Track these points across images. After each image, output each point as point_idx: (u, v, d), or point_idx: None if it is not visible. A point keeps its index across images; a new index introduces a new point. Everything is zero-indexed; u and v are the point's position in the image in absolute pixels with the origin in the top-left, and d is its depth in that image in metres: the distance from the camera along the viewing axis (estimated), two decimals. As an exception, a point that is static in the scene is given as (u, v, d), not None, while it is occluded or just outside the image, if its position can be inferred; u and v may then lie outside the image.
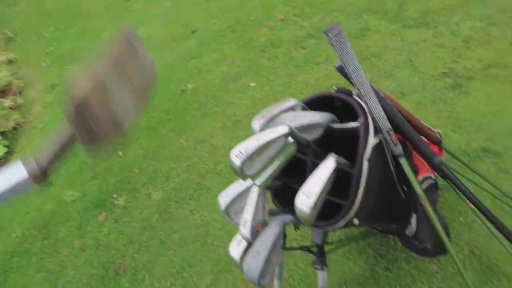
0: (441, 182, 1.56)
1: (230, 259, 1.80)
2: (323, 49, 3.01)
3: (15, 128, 3.42)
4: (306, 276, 1.68)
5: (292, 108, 0.97)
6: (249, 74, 3.05)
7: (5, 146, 3.20)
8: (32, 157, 0.36)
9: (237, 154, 0.70)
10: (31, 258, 2.24)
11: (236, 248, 0.86)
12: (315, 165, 0.84)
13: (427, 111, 2.23)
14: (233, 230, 0.95)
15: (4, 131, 3.28)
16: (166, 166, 2.48)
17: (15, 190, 0.37)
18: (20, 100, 3.80)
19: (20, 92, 4.00)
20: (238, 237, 0.87)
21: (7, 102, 3.63)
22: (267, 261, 0.75)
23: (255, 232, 0.83)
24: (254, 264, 0.74)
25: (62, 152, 0.39)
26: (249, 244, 0.84)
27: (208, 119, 2.75)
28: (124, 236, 2.14)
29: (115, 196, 2.38)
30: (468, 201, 1.09)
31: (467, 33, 2.65)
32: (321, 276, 1.00)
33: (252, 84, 2.93)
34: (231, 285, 1.76)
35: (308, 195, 0.71)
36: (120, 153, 2.67)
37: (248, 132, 2.51)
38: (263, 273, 0.74)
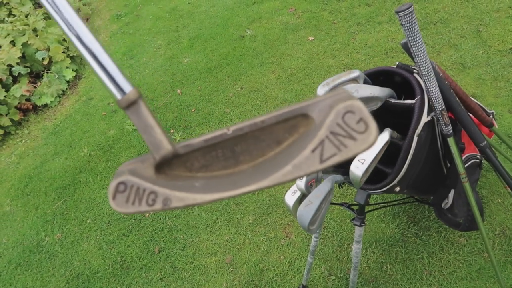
0: (486, 162, 1.60)
1: (272, 204, 2.00)
2: (388, 8, 2.92)
3: (83, 54, 3.65)
4: (340, 230, 1.82)
5: (355, 79, 1.04)
6: (308, 27, 3.04)
7: (74, 70, 3.46)
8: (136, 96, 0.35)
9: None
10: (97, 176, 2.53)
11: (291, 197, 0.99)
12: (369, 135, 0.94)
13: (487, 87, 2.19)
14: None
15: (73, 56, 3.52)
16: (220, 109, 2.63)
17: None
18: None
19: (87, 19, 4.20)
20: (293, 188, 1.01)
21: (76, 28, 3.83)
22: (317, 211, 0.88)
23: (309, 185, 0.96)
24: (306, 211, 0.87)
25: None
26: (303, 195, 0.97)
27: (264, 68, 2.82)
28: (178, 169, 2.35)
29: (172, 131, 2.59)
30: (506, 185, 1.15)
31: (547, 8, 2.49)
32: (358, 231, 1.13)
33: (311, 38, 2.93)
34: (270, 226, 1.94)
35: (362, 161, 0.83)
36: (179, 91, 2.84)
37: (302, 86, 2.59)
38: (312, 221, 0.88)
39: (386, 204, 1.70)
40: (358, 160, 0.83)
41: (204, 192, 0.34)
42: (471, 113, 1.18)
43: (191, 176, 0.37)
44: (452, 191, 1.39)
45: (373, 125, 0.30)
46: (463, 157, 1.35)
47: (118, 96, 0.35)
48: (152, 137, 0.35)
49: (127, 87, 0.35)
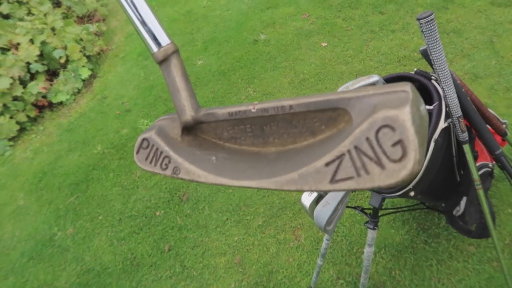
0: (497, 172, 1.61)
1: (282, 207, 2.02)
2: (401, 17, 2.94)
3: (98, 54, 3.71)
4: (349, 234, 1.83)
5: (373, 84, 1.06)
6: (322, 33, 3.07)
7: (90, 69, 3.52)
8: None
9: None
10: (109, 174, 2.57)
11: (307, 197, 1.02)
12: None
13: (499, 98, 2.19)
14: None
15: (89, 55, 3.58)
16: (233, 112, 2.66)
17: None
18: (103, 28, 4.07)
19: (103, 20, 4.26)
20: (310, 189, 1.04)
21: (93, 27, 3.89)
22: (334, 211, 0.90)
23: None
24: (323, 212, 0.90)
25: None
26: (319, 196, 0.99)
27: (277, 72, 2.85)
28: (189, 169, 2.39)
29: (184, 132, 2.62)
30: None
31: (562, 21, 2.49)
32: (371, 234, 1.15)
33: (324, 44, 2.96)
34: (280, 229, 1.96)
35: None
36: (192, 93, 2.88)
37: (314, 91, 2.61)
38: (329, 221, 0.90)
39: (397, 210, 1.72)
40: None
41: (210, 171, 0.32)
42: (486, 122, 1.20)
43: (219, 145, 0.36)
44: (464, 198, 1.40)
45: (413, 155, 0.22)
46: (476, 165, 1.36)
47: (154, 48, 0.34)
48: (177, 100, 0.35)
49: (165, 40, 0.34)
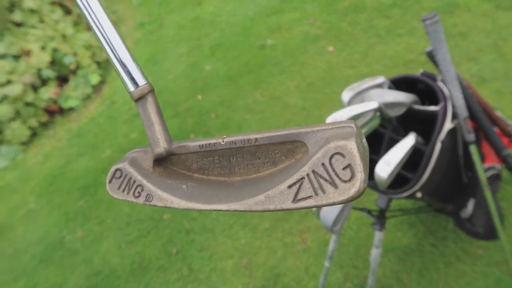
0: (506, 174, 1.61)
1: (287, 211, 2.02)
2: (407, 21, 2.94)
3: (107, 60, 3.76)
4: (356, 237, 1.83)
5: (379, 85, 1.08)
6: (328, 37, 3.08)
7: (99, 75, 3.57)
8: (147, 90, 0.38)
9: (333, 119, 0.85)
10: (118, 177, 2.60)
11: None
12: (392, 139, 0.97)
13: (506, 100, 2.18)
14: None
15: (99, 61, 3.64)
16: (240, 116, 2.68)
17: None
18: (112, 34, 4.12)
19: (112, 26, 4.32)
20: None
21: (101, 34, 3.94)
22: (340, 212, 0.92)
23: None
24: (329, 213, 0.91)
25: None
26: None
27: (284, 76, 2.87)
28: (197, 172, 2.41)
29: (192, 136, 2.64)
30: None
31: None
32: (378, 236, 1.15)
33: (330, 48, 2.97)
34: (286, 232, 1.96)
35: (388, 164, 0.86)
36: (200, 97, 2.91)
37: (321, 95, 2.62)
38: (335, 221, 0.91)
39: (404, 213, 1.72)
40: (384, 161, 0.87)
41: (182, 198, 0.36)
42: (492, 123, 1.20)
43: (188, 176, 0.40)
44: (472, 201, 1.41)
45: (360, 176, 0.27)
46: (484, 167, 1.37)
47: (131, 88, 0.38)
48: (151, 133, 0.38)
49: (141, 81, 0.38)
